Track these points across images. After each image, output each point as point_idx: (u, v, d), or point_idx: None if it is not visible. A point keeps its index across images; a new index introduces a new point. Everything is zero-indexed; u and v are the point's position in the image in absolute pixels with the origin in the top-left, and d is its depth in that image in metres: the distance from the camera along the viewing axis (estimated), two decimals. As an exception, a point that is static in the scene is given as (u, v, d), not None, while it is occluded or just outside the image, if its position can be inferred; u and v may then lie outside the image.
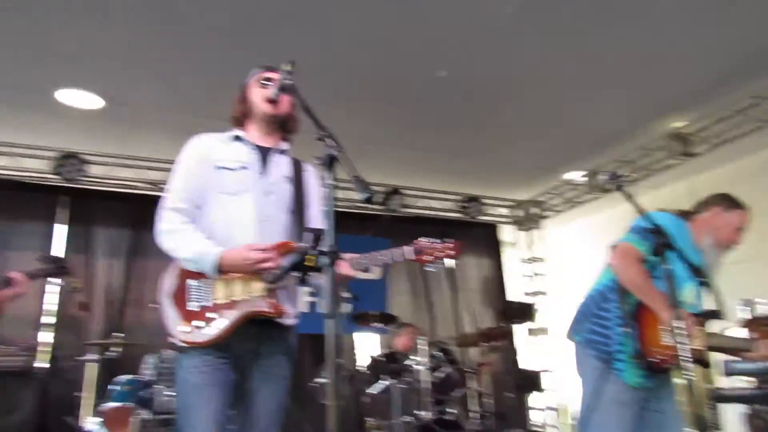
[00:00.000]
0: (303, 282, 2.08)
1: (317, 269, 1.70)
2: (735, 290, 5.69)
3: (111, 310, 5.95)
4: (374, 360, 5.00)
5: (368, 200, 1.61)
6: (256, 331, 2.19)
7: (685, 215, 2.94)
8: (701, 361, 2.62)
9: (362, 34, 4.39)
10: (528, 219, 8.34)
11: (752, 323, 4.12)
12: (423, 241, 2.28)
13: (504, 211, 8.41)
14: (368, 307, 5.24)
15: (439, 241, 2.29)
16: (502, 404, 6.65)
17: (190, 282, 2.18)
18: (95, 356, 4.46)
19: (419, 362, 4.92)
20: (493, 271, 8.27)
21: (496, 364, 6.51)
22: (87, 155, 5.89)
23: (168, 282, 2.24)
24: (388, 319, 5.29)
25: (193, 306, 2.15)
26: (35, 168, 5.96)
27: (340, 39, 4.44)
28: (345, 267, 2.15)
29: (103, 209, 6.34)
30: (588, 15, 4.18)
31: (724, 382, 3.62)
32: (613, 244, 2.79)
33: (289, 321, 2.27)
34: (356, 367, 5.04)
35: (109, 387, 4.33)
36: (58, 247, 6.07)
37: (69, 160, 5.73)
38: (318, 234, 1.74)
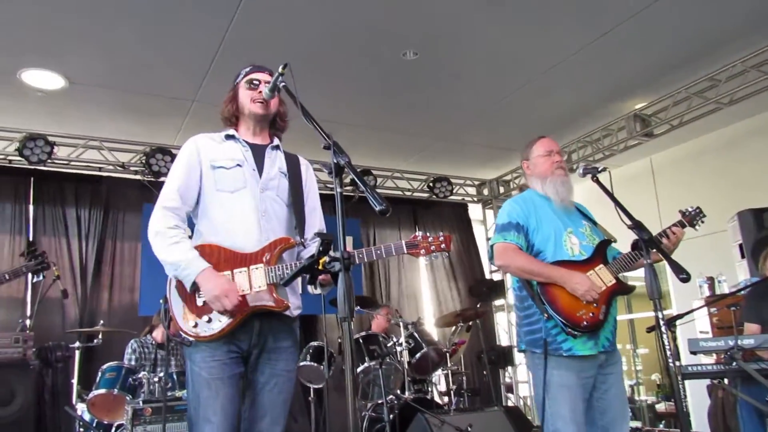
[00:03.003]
0: (313, 284, 2.16)
1: (328, 273, 1.78)
2: (698, 263, 6.07)
3: (87, 295, 5.90)
4: (353, 342, 5.10)
5: (383, 213, 1.68)
6: (261, 325, 2.26)
7: (522, 190, 3.17)
8: (624, 291, 2.81)
9: (331, 18, 4.40)
10: (494, 198, 8.52)
11: (717, 301, 4.39)
12: (417, 235, 2.40)
13: (471, 190, 8.58)
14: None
15: (431, 235, 2.41)
16: (478, 380, 6.91)
17: (198, 278, 2.23)
18: (79, 344, 4.48)
19: (397, 343, 5.06)
20: (465, 248, 8.43)
21: (471, 343, 6.71)
22: (52, 136, 5.76)
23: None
24: (364, 302, 5.39)
25: (200, 301, 2.21)
26: (1, 150, 5.82)
27: (309, 23, 4.45)
28: None
29: (71, 191, 6.22)
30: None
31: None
32: (488, 253, 2.98)
33: (292, 313, 2.35)
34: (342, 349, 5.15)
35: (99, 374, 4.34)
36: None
37: (34, 141, 5.58)
38: (328, 239, 1.81)
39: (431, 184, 7.83)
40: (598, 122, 6.77)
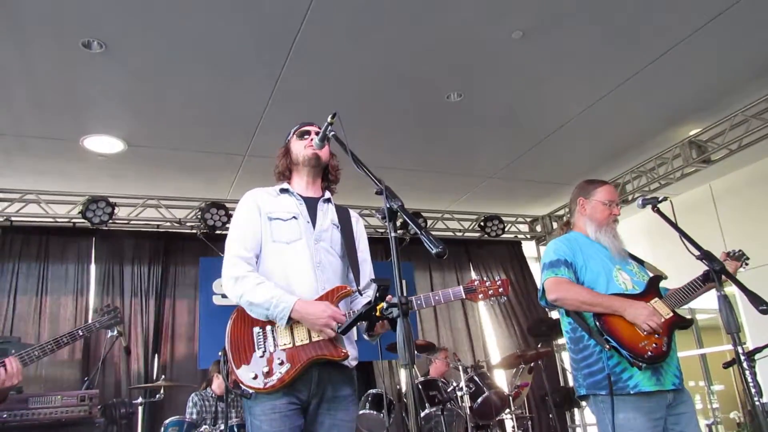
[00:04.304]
0: (370, 331, 2.13)
1: (385, 319, 1.75)
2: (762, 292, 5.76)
3: (148, 351, 6.02)
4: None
5: (440, 255, 1.66)
6: (320, 374, 2.24)
7: (568, 226, 3.08)
8: (683, 324, 2.67)
9: (374, 64, 4.49)
10: (548, 234, 8.35)
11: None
12: (474, 280, 2.40)
13: (523, 227, 8.45)
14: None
15: (488, 279, 2.42)
16: (544, 424, 6.65)
17: (255, 329, 2.25)
18: (141, 400, 4.56)
19: (457, 387, 4.94)
20: (521, 287, 8.24)
21: (535, 384, 6.49)
22: (113, 197, 6.00)
23: (232, 329, 2.28)
24: (421, 347, 5.31)
25: (259, 352, 2.21)
26: (64, 214, 6.08)
27: (353, 71, 4.55)
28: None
29: (131, 249, 6.42)
30: (599, 26, 4.25)
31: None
32: (539, 294, 2.88)
33: (350, 363, 2.32)
34: (401, 396, 5.08)
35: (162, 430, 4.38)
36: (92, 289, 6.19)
37: (96, 203, 5.82)
38: (385, 285, 1.79)
39: (482, 223, 7.76)
40: (652, 151, 6.62)
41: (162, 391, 4.55)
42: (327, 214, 2.51)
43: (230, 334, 2.27)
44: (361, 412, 5.04)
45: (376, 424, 4.99)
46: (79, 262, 6.19)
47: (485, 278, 2.42)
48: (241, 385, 2.18)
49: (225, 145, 5.55)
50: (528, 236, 8.48)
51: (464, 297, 2.35)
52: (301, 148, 2.52)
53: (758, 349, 3.41)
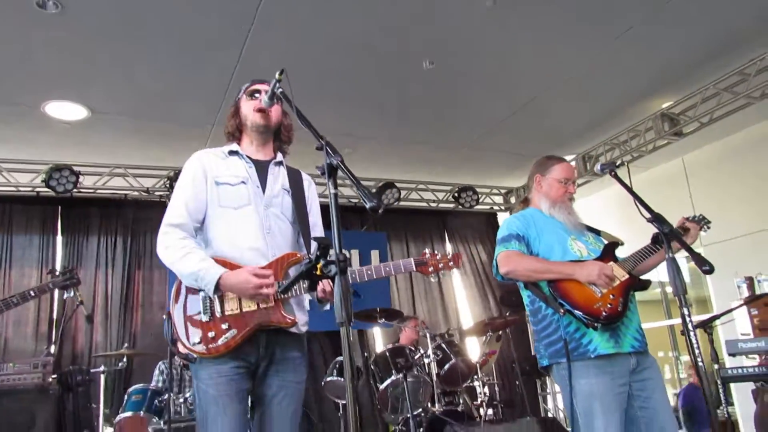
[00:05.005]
0: (312, 290, 2.11)
1: (326, 278, 1.71)
2: (738, 265, 5.83)
3: (113, 319, 5.96)
4: (379, 355, 5.04)
5: (374, 209, 1.62)
6: (268, 339, 2.21)
7: (526, 203, 3.08)
8: (640, 286, 2.69)
9: (341, 32, 4.39)
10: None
11: (755, 300, 4.19)
12: (426, 252, 2.39)
13: (498, 199, 8.45)
14: (372, 303, 5.27)
15: (440, 253, 2.40)
16: (512, 392, 6.73)
17: (201, 293, 2.20)
18: (104, 368, 4.52)
19: (425, 355, 4.97)
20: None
21: (503, 353, 6.54)
22: (78, 166, 5.87)
23: (178, 293, 2.25)
24: (391, 314, 5.32)
25: (204, 317, 2.17)
26: (27, 183, 5.95)
27: (320, 38, 4.45)
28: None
29: (98, 218, 6.33)
30: None
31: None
32: (493, 269, 2.88)
33: (300, 329, 2.30)
34: (368, 364, 5.10)
35: (125, 397, 4.36)
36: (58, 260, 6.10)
37: (60, 171, 5.69)
38: (325, 243, 1.75)
39: (457, 194, 7.73)
40: (624, 124, 6.61)
41: (125, 359, 4.51)
42: (278, 178, 2.44)
43: (174, 296, 2.24)
44: (328, 378, 5.07)
45: (343, 391, 5.02)
46: (44, 232, 6.08)
47: (437, 252, 2.40)
48: (185, 349, 2.15)
49: (192, 114, 5.43)
50: (503, 207, 8.49)
51: (414, 269, 2.34)
52: (250, 110, 2.42)
53: (716, 316, 3.45)
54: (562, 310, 2.56)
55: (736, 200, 6.51)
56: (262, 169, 2.42)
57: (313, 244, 1.90)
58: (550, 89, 5.52)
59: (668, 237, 2.18)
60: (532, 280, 2.73)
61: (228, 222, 2.29)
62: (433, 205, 7.91)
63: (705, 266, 2.03)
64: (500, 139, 6.63)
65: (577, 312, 2.54)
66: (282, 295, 2.17)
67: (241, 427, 2.13)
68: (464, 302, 7.98)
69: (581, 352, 2.58)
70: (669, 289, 8.62)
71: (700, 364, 1.97)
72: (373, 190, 7.26)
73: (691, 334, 2.00)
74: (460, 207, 7.79)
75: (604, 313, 2.53)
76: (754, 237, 6.25)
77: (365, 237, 7.34)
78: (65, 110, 5.16)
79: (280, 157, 2.50)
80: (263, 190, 2.37)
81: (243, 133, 2.48)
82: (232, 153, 2.43)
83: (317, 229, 2.49)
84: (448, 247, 8.18)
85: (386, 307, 5.29)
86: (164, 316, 2.23)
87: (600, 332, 2.56)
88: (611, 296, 2.57)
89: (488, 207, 8.36)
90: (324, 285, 2.17)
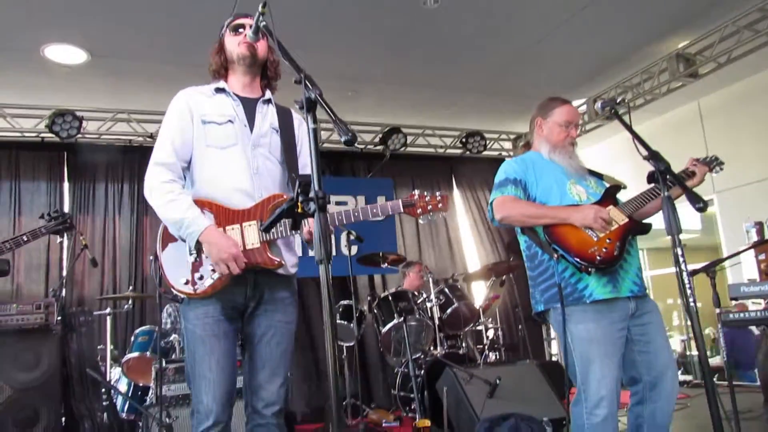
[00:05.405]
0: (296, 229, 2.08)
1: (307, 216, 1.68)
2: (751, 211, 5.73)
3: (122, 265, 6.04)
4: (382, 299, 5.08)
5: (349, 143, 1.58)
6: (256, 280, 2.20)
7: (527, 147, 3.00)
8: (641, 230, 2.64)
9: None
10: (532, 151, 8.22)
11: (762, 245, 4.12)
12: (414, 194, 2.31)
13: (507, 144, 8.33)
14: (379, 248, 5.28)
15: (428, 194, 2.32)
16: (514, 336, 6.79)
17: (188, 234, 2.18)
18: (110, 310, 4.63)
19: (427, 299, 5.00)
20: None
21: (507, 298, 6.58)
22: (80, 111, 5.83)
23: (165, 234, 2.23)
24: (395, 259, 5.33)
25: (191, 258, 2.16)
26: (31, 128, 5.94)
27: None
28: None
29: (104, 165, 6.33)
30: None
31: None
32: (489, 214, 2.83)
33: (288, 271, 2.27)
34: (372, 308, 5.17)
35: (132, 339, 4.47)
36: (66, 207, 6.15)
37: (63, 117, 5.66)
38: (306, 181, 1.71)
39: (464, 140, 7.61)
40: (638, 65, 6.39)
41: (131, 302, 4.59)
42: (266, 116, 2.36)
43: (162, 238, 2.22)
44: (332, 323, 5.12)
45: (346, 334, 5.11)
46: (51, 179, 6.10)
47: (425, 193, 2.32)
48: (172, 290, 2.15)
49: (193, 56, 5.30)
50: (511, 153, 8.36)
51: (402, 211, 2.28)
52: (234, 45, 2.34)
53: (720, 260, 3.40)
54: (556, 255, 2.52)
55: (751, 146, 6.35)
56: (249, 107, 2.34)
57: (296, 183, 1.86)
58: (560, 28, 5.32)
59: (663, 175, 2.10)
60: (527, 225, 2.68)
61: (214, 162, 2.24)
62: (441, 150, 7.82)
63: (698, 204, 1.97)
64: (508, 82, 6.47)
65: (570, 257, 2.50)
66: (265, 235, 2.14)
67: (228, 367, 2.14)
68: (472, 249, 7.97)
69: (576, 297, 2.55)
70: (681, 236, 8.57)
71: (692, 305, 1.93)
72: (379, 135, 7.19)
73: (684, 274, 1.96)
74: (467, 153, 7.69)
75: (598, 258, 2.48)
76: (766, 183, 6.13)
77: (372, 183, 7.30)
78: (64, 53, 5.09)
79: (268, 94, 2.42)
80: (251, 129, 2.30)
81: (229, 71, 2.40)
82: (218, 90, 2.36)
83: (308, 170, 2.42)
84: (456, 194, 8.13)
85: (389, 252, 5.28)
86: (151, 257, 2.22)
87: (596, 277, 2.52)
88: (607, 240, 2.52)
89: (497, 153, 8.24)
90: (310, 226, 2.14)
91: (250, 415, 2.21)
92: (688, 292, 1.92)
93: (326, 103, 1.67)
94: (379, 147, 7.23)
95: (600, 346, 2.50)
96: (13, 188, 5.91)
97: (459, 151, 7.83)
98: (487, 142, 7.72)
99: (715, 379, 6.88)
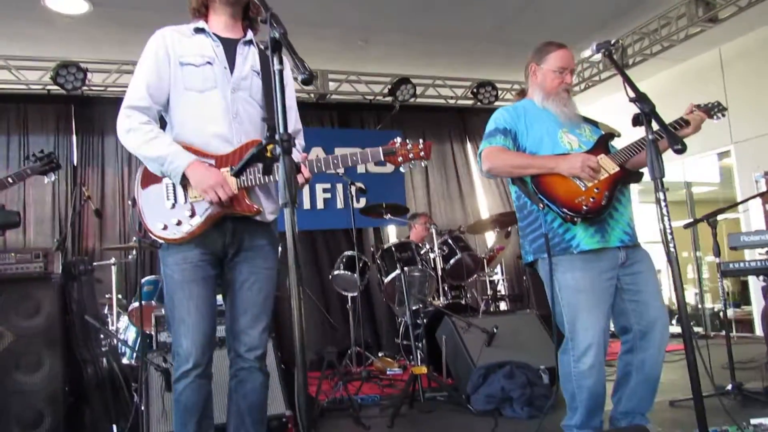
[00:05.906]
0: (268, 173, 2.05)
1: (276, 160, 1.65)
2: (763, 160, 5.56)
3: (129, 215, 6.06)
4: (385, 250, 5.10)
5: (306, 82, 1.54)
6: (234, 227, 2.19)
7: (522, 94, 2.91)
8: (632, 179, 2.58)
9: None
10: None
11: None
12: (396, 141, 2.26)
13: (520, 95, 8.15)
14: (388, 199, 5.26)
15: (410, 142, 2.26)
16: (518, 286, 6.79)
17: (166, 179, 2.17)
18: (114, 260, 4.72)
19: (431, 250, 5.00)
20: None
21: (514, 249, 6.52)
22: (85, 62, 5.80)
23: (143, 180, 2.22)
24: (399, 210, 5.31)
25: (168, 203, 2.16)
26: (36, 80, 5.94)
27: None
28: (302, 169, 2.12)
29: (111, 117, 6.33)
30: None
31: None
32: (478, 165, 2.77)
33: (266, 218, 2.25)
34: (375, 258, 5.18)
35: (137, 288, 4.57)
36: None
37: (67, 68, 5.64)
38: (274, 125, 1.68)
39: (475, 90, 7.46)
40: (655, 10, 6.17)
41: (134, 252, 4.66)
42: (247, 58, 2.29)
43: (140, 182, 2.22)
44: (335, 272, 5.19)
45: (349, 284, 5.16)
46: (60, 132, 6.15)
47: (407, 141, 2.26)
48: (151, 235, 2.16)
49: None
50: (524, 104, 8.19)
51: (382, 159, 2.23)
52: None
53: (721, 210, 3.32)
54: (542, 205, 2.49)
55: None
56: (230, 48, 2.26)
57: (264, 126, 1.83)
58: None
59: (648, 117, 2.03)
60: (514, 176, 2.65)
61: (192, 106, 2.19)
62: (451, 101, 7.69)
63: (677, 145, 1.90)
64: (521, 30, 6.27)
65: (556, 207, 2.46)
66: (242, 182, 2.12)
67: (207, 311, 2.16)
68: (483, 201, 7.92)
69: (564, 247, 2.53)
70: (695, 189, 8.41)
71: (672, 250, 1.88)
72: (388, 86, 7.08)
73: (665, 219, 1.91)
74: (479, 103, 7.55)
75: (585, 207, 2.44)
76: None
77: (381, 135, 7.22)
78: (65, 3, 5.06)
79: (250, 35, 2.34)
80: (231, 72, 2.24)
81: (210, 10, 2.30)
82: (198, 30, 2.27)
83: (292, 114, 2.35)
84: (468, 146, 8.03)
85: (392, 203, 5.25)
86: (129, 202, 2.23)
87: (584, 227, 2.49)
88: (595, 190, 2.47)
89: (509, 103, 8.06)
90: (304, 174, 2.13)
91: (233, 359, 2.23)
92: (669, 237, 1.87)
93: (289, 42, 1.62)
94: (388, 98, 7.13)
95: (587, 295, 2.50)
96: (21, 142, 5.98)
97: (470, 102, 7.70)
98: (499, 92, 7.57)
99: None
